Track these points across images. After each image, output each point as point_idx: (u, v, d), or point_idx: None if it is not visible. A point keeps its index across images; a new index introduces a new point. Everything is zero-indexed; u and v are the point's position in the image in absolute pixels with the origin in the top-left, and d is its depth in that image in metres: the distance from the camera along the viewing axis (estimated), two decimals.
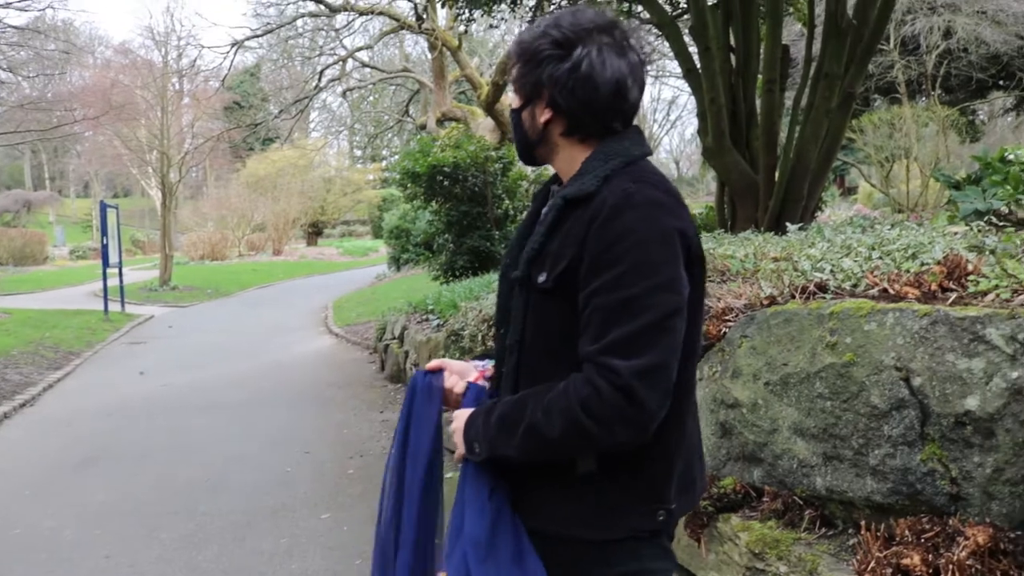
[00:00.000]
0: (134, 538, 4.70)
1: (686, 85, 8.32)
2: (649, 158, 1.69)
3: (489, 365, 1.89)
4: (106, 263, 16.21)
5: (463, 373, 1.86)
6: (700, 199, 30.30)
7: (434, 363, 1.88)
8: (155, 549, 4.52)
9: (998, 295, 2.39)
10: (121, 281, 17.24)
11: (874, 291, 2.69)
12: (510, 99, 1.77)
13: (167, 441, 6.82)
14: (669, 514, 1.65)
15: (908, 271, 2.77)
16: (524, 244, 1.73)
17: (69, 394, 9.12)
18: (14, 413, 8.04)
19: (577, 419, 1.49)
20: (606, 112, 1.65)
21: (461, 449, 1.68)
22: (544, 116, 1.68)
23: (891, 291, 2.61)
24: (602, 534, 1.61)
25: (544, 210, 1.71)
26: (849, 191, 30.46)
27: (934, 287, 2.55)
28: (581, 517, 1.62)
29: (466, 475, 1.71)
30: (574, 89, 1.62)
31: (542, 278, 1.61)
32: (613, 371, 1.47)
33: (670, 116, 59.00)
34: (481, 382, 1.86)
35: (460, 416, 1.72)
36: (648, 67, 1.72)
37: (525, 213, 1.86)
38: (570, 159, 1.69)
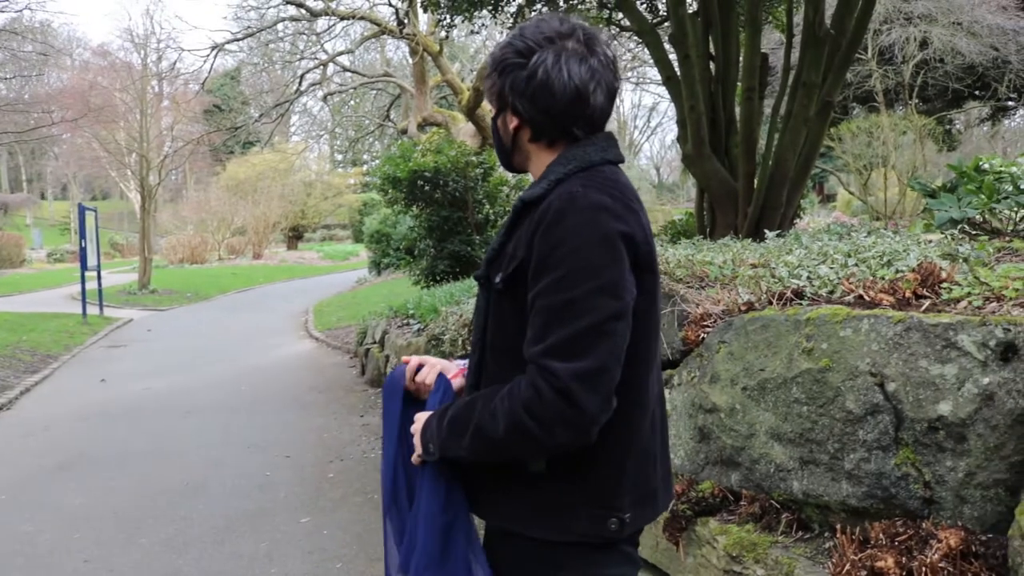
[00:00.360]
0: (113, 542, 4.68)
1: (666, 92, 8.38)
2: (619, 164, 1.72)
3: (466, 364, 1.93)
4: (84, 266, 16.08)
5: (445, 370, 1.87)
6: (680, 205, 30.46)
7: (415, 359, 1.90)
8: (134, 553, 4.51)
9: (970, 302, 2.43)
10: (100, 284, 17.12)
11: (850, 298, 2.73)
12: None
13: (146, 445, 6.78)
14: (621, 523, 1.65)
15: (883, 278, 2.81)
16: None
17: (46, 398, 9.04)
18: None
19: (520, 420, 1.51)
20: (565, 117, 1.67)
21: (418, 450, 1.72)
22: (512, 123, 1.72)
23: (866, 298, 2.66)
24: (554, 535, 1.64)
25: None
26: (828, 198, 30.73)
27: (908, 294, 2.60)
28: (534, 516, 1.65)
29: (423, 483, 1.74)
30: (532, 96, 1.65)
31: (498, 279, 1.64)
32: (553, 373, 1.49)
33: (650, 123, 59.31)
34: (459, 379, 1.86)
35: (420, 418, 1.75)
36: (614, 71, 1.72)
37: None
38: (540, 164, 1.72)
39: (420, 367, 1.90)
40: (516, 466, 1.64)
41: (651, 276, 1.65)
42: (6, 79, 28.29)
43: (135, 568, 4.32)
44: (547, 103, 1.65)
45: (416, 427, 1.74)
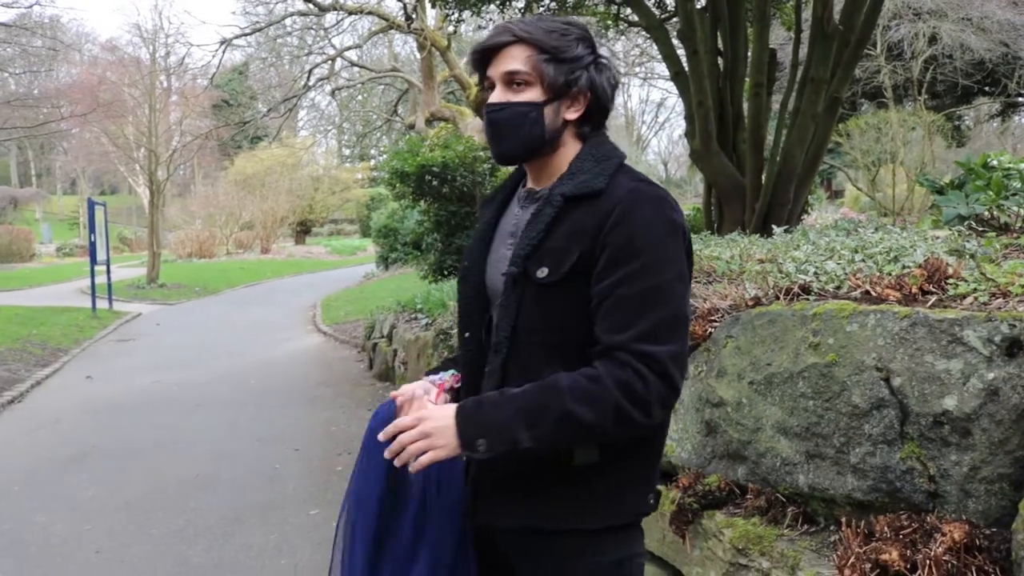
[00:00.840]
0: (124, 533, 4.73)
1: (674, 87, 8.37)
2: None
3: (447, 376, 1.88)
4: (94, 260, 16.16)
5: (425, 391, 1.82)
6: (688, 200, 30.40)
7: (402, 395, 1.81)
8: (145, 544, 4.55)
9: (976, 298, 2.45)
10: (109, 278, 17.19)
11: (856, 293, 2.75)
12: (500, 92, 1.74)
13: (156, 438, 6.83)
14: (657, 497, 1.74)
15: (890, 274, 2.83)
16: (485, 248, 1.81)
17: (57, 391, 9.11)
18: (2, 410, 8.03)
19: (618, 404, 1.53)
20: (608, 111, 1.79)
21: (449, 449, 1.58)
22: (571, 114, 1.74)
23: (873, 293, 2.67)
24: (602, 521, 1.67)
25: (532, 209, 1.75)
26: (836, 194, 30.69)
27: (914, 290, 2.61)
28: (582, 507, 1.66)
29: (424, 528, 1.70)
30: (602, 89, 1.73)
31: (542, 273, 1.64)
32: (652, 357, 1.54)
33: (658, 118, 59.18)
34: (443, 395, 1.82)
35: (440, 414, 1.61)
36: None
37: (482, 219, 1.89)
38: (564, 158, 1.75)
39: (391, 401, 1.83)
40: (557, 461, 1.64)
41: (691, 259, 1.73)
42: (16, 75, 28.40)
43: (146, 559, 4.36)
44: (609, 96, 1.76)
45: (437, 424, 1.59)
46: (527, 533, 1.70)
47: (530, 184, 1.82)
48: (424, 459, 1.57)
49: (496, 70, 1.72)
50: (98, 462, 6.19)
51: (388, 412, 1.78)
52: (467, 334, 1.81)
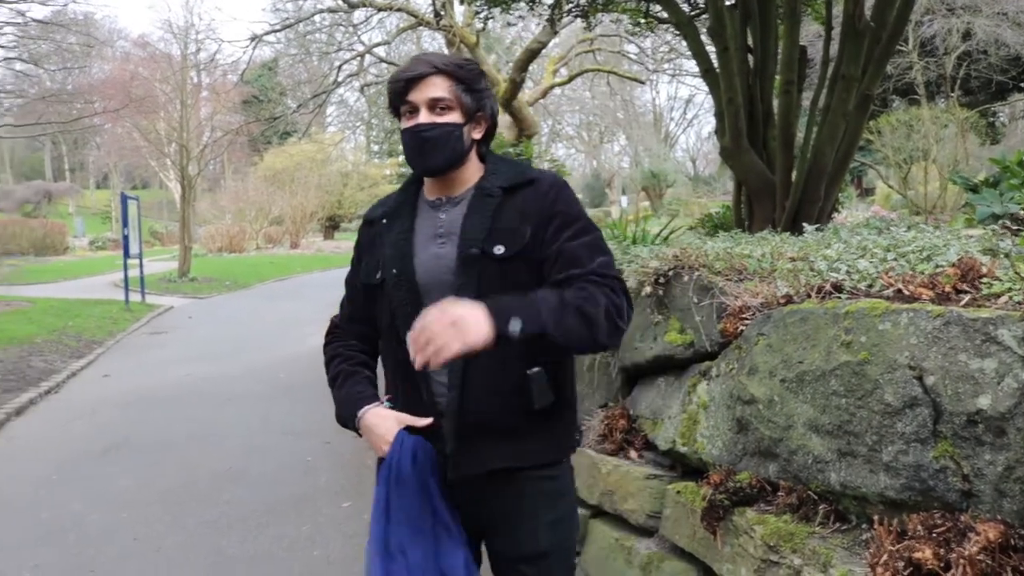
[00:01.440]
0: (159, 523, 4.82)
1: (702, 84, 8.35)
2: None
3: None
4: (127, 254, 16.38)
5: (400, 422, 2.11)
6: (716, 198, 30.22)
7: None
8: (180, 534, 4.64)
9: (1011, 298, 2.44)
10: (141, 272, 17.42)
11: (889, 292, 2.74)
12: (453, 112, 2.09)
13: (188, 430, 6.94)
14: (581, 435, 2.27)
15: (923, 273, 2.82)
16: (409, 253, 2.09)
17: (92, 382, 9.27)
18: (39, 400, 8.19)
19: (607, 307, 1.92)
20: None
21: (481, 335, 1.74)
22: (476, 134, 2.13)
23: (906, 292, 2.67)
24: (557, 455, 2.15)
25: (458, 208, 2.09)
26: (866, 192, 30.34)
27: (948, 289, 2.61)
28: (546, 445, 2.12)
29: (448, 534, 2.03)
30: (493, 112, 2.17)
31: (499, 250, 2.00)
32: (616, 277, 1.99)
33: (686, 115, 58.76)
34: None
35: (466, 305, 1.78)
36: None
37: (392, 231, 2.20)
38: (470, 170, 2.13)
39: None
40: (525, 410, 2.01)
41: None
42: (51, 71, 28.76)
43: (181, 548, 4.44)
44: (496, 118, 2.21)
45: (461, 313, 1.75)
46: (500, 475, 2.05)
47: (433, 194, 2.15)
48: (455, 347, 1.71)
49: (421, 95, 2.04)
50: (132, 453, 6.30)
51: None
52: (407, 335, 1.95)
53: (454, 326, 1.72)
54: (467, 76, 2.07)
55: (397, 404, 2.14)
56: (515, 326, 1.77)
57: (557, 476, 2.14)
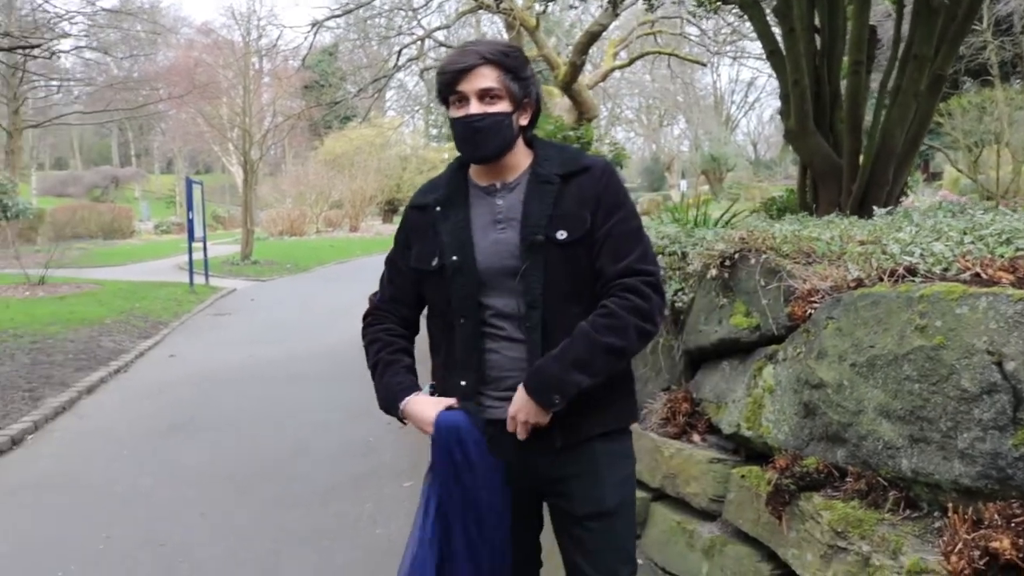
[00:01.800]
0: (225, 499, 4.93)
1: (765, 66, 8.20)
2: None
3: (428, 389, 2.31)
4: (191, 237, 16.72)
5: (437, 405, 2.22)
6: (778, 182, 29.75)
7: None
8: (246, 510, 4.74)
9: None
10: (205, 255, 17.77)
11: (966, 275, 2.67)
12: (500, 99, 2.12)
13: (253, 409, 7.07)
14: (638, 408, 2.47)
15: (1002, 256, 2.74)
16: (470, 241, 2.13)
17: (159, 362, 9.50)
18: (110, 378, 8.42)
19: (634, 324, 2.03)
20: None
21: (540, 416, 2.05)
22: (523, 120, 2.17)
23: (984, 276, 2.59)
24: (632, 419, 2.30)
25: (515, 194, 2.14)
26: (933, 176, 29.55)
27: None
28: (631, 409, 2.30)
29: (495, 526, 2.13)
30: (538, 99, 2.22)
31: (562, 235, 2.07)
32: (649, 272, 2.08)
33: (748, 98, 57.72)
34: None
35: (520, 399, 2.06)
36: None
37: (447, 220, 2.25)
38: (517, 155, 2.17)
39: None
40: (610, 376, 2.10)
41: None
42: (119, 59, 29.43)
43: (248, 523, 4.54)
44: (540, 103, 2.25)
45: (520, 411, 2.06)
46: (585, 442, 2.15)
47: (485, 180, 2.19)
48: (529, 424, 2.08)
49: (471, 86, 2.08)
50: (199, 431, 6.45)
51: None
52: (462, 320, 2.15)
53: (523, 423, 2.07)
54: (514, 64, 2.11)
55: (445, 387, 2.30)
56: (557, 399, 2.02)
57: (623, 438, 2.26)
